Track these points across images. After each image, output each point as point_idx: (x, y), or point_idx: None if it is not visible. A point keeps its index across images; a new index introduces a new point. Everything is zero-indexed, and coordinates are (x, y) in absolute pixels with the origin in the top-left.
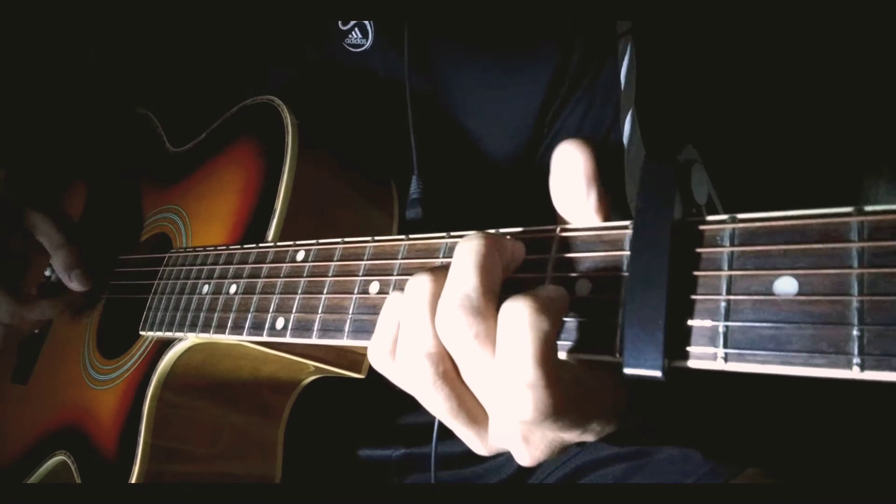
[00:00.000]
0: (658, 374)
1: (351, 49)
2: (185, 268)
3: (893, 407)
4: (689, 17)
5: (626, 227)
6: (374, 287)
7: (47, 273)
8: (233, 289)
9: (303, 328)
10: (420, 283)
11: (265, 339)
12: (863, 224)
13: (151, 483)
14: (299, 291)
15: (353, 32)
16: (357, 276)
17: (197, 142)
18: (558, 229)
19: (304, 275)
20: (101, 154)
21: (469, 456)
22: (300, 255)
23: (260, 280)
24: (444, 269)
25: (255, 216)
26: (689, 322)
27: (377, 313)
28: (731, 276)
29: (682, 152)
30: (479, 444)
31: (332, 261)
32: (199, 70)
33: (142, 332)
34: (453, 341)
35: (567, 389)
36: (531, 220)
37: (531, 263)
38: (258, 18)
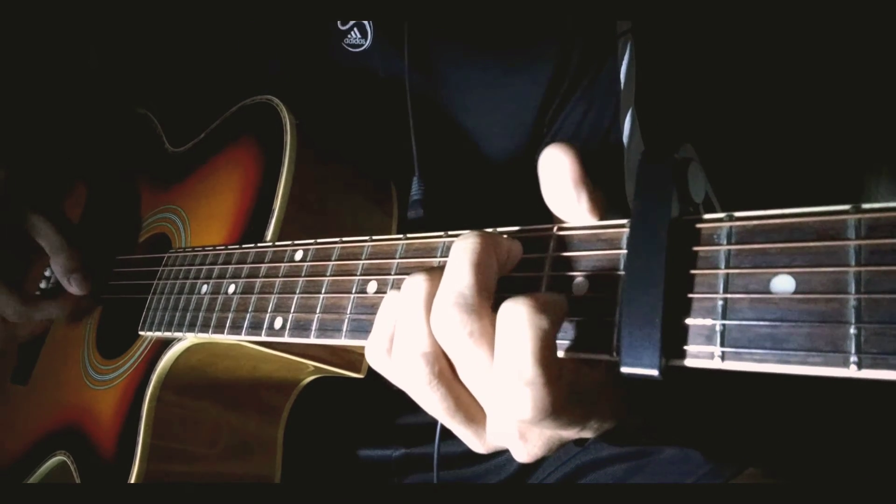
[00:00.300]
0: (655, 373)
1: (350, 49)
2: (183, 268)
3: (892, 406)
4: (689, 16)
5: (623, 226)
6: (372, 286)
7: (47, 273)
8: (231, 289)
9: (301, 328)
10: (415, 283)
11: (263, 338)
12: (860, 222)
13: (151, 483)
14: (297, 291)
15: (353, 32)
16: (355, 275)
17: (196, 142)
18: (555, 228)
19: (303, 274)
20: (101, 154)
21: (469, 456)
22: (298, 255)
23: (258, 280)
24: (440, 269)
25: (254, 216)
26: (687, 321)
27: (375, 313)
28: (728, 275)
29: (679, 151)
30: (477, 442)
31: (330, 260)
32: (199, 70)
33: (141, 332)
34: (448, 339)
35: (566, 388)
36: (532, 219)
37: (528, 262)
38: (257, 18)
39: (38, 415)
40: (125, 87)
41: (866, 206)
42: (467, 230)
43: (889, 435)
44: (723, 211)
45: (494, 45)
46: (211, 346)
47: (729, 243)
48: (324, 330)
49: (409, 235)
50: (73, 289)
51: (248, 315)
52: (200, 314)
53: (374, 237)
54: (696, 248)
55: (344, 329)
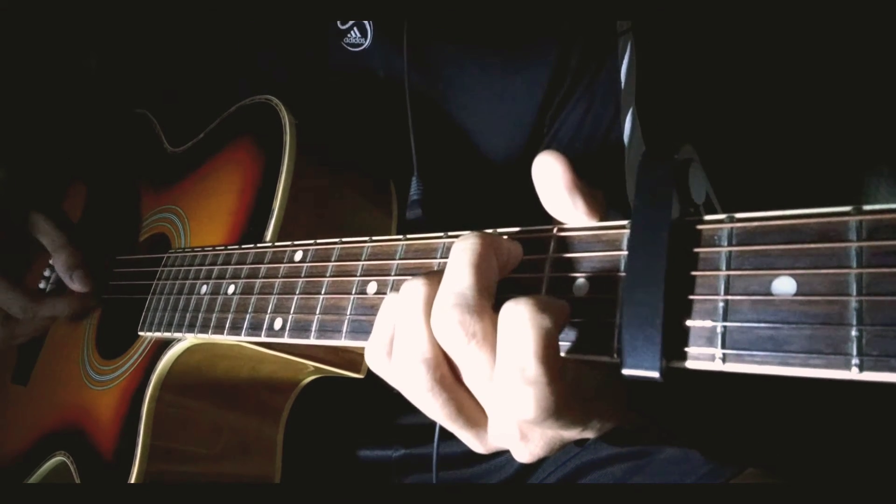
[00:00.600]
0: (656, 374)
1: (350, 48)
2: (183, 268)
3: (893, 406)
4: (690, 15)
5: (623, 227)
6: (372, 287)
7: (46, 273)
8: (231, 289)
9: (301, 329)
10: (414, 286)
11: (263, 339)
12: (861, 223)
13: (150, 483)
14: (297, 292)
15: (352, 32)
16: (355, 276)
17: (195, 142)
18: (556, 229)
19: (302, 275)
20: (101, 154)
21: (469, 456)
22: (298, 256)
23: (258, 280)
24: (440, 272)
25: (254, 216)
26: (687, 322)
27: (375, 314)
28: (729, 276)
29: (679, 151)
30: (478, 444)
31: (329, 261)
32: (198, 70)
33: (140, 333)
34: (449, 341)
35: (569, 388)
36: (532, 220)
37: (529, 263)
38: (257, 18)
39: (37, 415)
40: (124, 87)
41: (867, 207)
42: (467, 231)
43: (889, 435)
44: (724, 212)
45: (494, 45)
46: (210, 346)
47: (730, 245)
48: (324, 331)
49: (408, 236)
50: (76, 286)
51: (247, 316)
52: (200, 315)
53: (374, 238)
54: (696, 250)
55: (344, 330)
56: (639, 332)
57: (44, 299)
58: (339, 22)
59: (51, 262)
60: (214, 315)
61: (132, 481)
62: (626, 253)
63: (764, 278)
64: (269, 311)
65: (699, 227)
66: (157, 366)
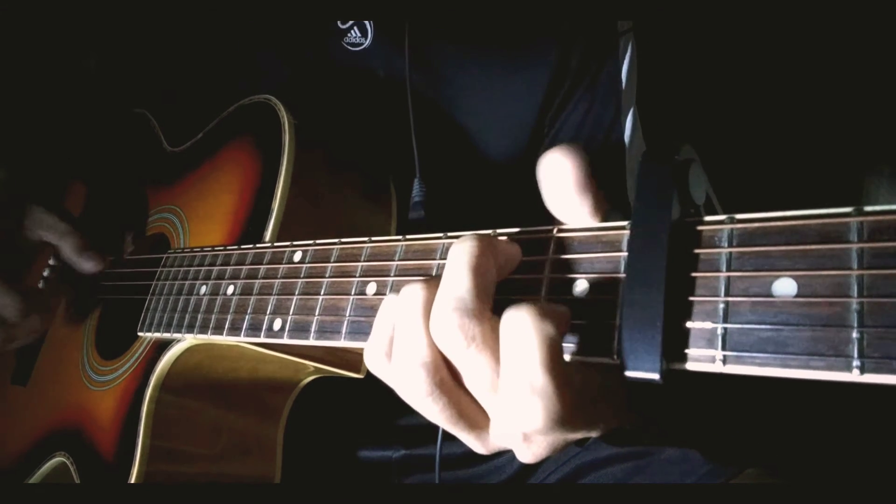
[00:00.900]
0: (656, 376)
1: (350, 48)
2: (182, 268)
3: (893, 407)
4: (691, 15)
5: (623, 228)
6: (372, 288)
7: (46, 274)
8: (230, 290)
9: (300, 329)
10: (413, 290)
11: (262, 340)
12: (862, 224)
13: (150, 483)
14: (296, 293)
15: (352, 31)
16: (354, 276)
17: (194, 141)
18: (555, 230)
19: (302, 276)
20: (100, 154)
21: (470, 456)
22: (297, 256)
23: (257, 281)
24: (439, 277)
25: (253, 216)
26: (688, 324)
27: (374, 315)
28: (729, 278)
29: (679, 152)
30: (479, 445)
31: (329, 262)
32: (197, 69)
33: (140, 333)
34: (448, 345)
35: (576, 394)
36: (533, 220)
37: (528, 264)
38: (257, 18)
39: (37, 416)
40: (123, 86)
41: (868, 208)
42: (467, 232)
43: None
44: (724, 213)
45: (495, 45)
46: (210, 347)
47: (730, 246)
48: (323, 332)
49: (408, 237)
50: (90, 266)
51: (246, 316)
52: (199, 315)
53: (373, 238)
54: (697, 251)
55: (343, 331)
56: (639, 333)
57: (39, 298)
58: (339, 21)
59: (50, 262)
60: (214, 316)
61: (132, 482)
62: (626, 254)
63: (764, 280)
64: (268, 312)
65: (699, 228)
66: (157, 366)
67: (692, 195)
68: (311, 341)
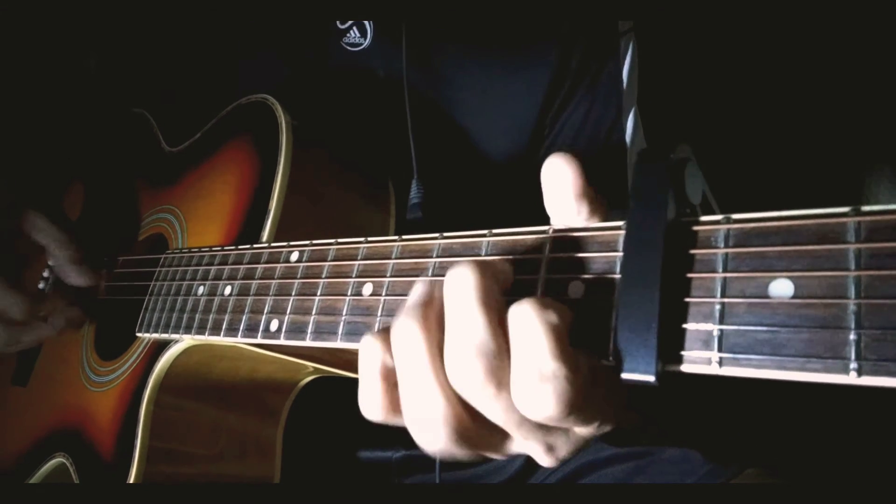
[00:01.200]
0: (651, 378)
1: (349, 48)
2: (180, 269)
3: (892, 407)
4: (691, 15)
5: (619, 228)
6: (368, 289)
7: (45, 274)
8: (227, 290)
9: (297, 330)
10: (411, 336)
11: (260, 340)
12: (860, 225)
13: (150, 484)
14: (293, 293)
15: (352, 31)
16: (350, 277)
17: (192, 141)
18: (551, 230)
19: (298, 276)
20: (99, 154)
21: None
22: (294, 256)
23: (254, 281)
24: (431, 308)
25: (250, 216)
26: (684, 325)
27: (371, 315)
28: (725, 279)
29: (675, 151)
30: (497, 455)
31: (325, 262)
32: (197, 69)
33: (138, 334)
34: (476, 395)
35: (585, 380)
36: (533, 221)
37: (524, 264)
38: (257, 18)
39: (37, 416)
40: (123, 86)
41: (866, 208)
42: (461, 232)
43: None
44: (721, 212)
45: (495, 45)
46: (208, 347)
47: (726, 246)
48: (320, 332)
49: (404, 237)
50: (81, 280)
51: (244, 317)
52: (197, 316)
53: (370, 238)
54: (692, 251)
55: (340, 332)
56: (634, 335)
57: (43, 299)
58: (338, 22)
59: (50, 262)
60: (211, 316)
61: (131, 482)
62: (621, 254)
63: (761, 280)
64: (265, 312)
65: (695, 228)
66: (155, 367)
67: (688, 195)
68: (308, 342)
